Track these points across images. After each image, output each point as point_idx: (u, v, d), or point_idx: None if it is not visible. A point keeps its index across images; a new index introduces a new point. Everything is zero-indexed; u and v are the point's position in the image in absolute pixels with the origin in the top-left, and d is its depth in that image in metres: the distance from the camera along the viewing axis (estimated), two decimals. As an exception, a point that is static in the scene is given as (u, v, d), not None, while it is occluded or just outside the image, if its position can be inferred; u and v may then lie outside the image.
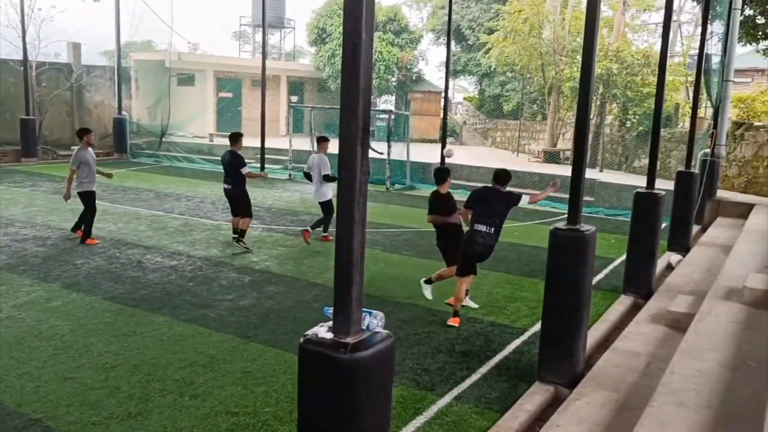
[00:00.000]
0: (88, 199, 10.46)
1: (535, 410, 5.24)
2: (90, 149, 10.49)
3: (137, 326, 6.86)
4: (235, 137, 10.35)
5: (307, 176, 11.14)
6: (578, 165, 5.49)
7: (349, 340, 2.74)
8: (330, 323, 2.86)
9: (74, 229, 10.72)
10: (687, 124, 17.53)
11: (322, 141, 11.07)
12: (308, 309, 7.65)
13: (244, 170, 10.24)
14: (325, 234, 11.13)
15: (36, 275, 8.56)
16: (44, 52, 23.67)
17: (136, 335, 6.61)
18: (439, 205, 7.88)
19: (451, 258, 7.88)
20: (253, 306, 7.65)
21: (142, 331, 6.73)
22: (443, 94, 18.60)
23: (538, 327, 6.63)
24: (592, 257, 5.64)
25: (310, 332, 2.84)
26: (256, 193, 16.49)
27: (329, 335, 2.77)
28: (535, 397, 5.42)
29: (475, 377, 5.96)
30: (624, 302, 8.17)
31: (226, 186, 10.50)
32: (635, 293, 8.34)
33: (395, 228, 12.59)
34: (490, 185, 7.43)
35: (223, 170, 10.55)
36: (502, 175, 7.32)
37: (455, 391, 5.65)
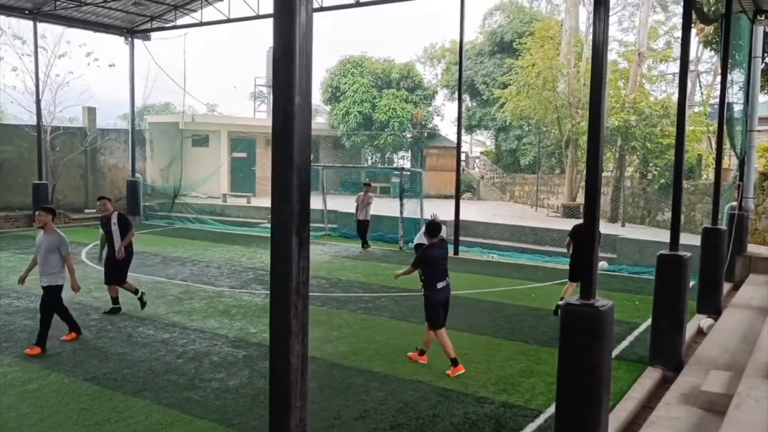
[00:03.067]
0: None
1: None
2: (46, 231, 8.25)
3: (112, 413, 6.28)
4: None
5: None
6: (590, 230, 4.91)
7: (288, 482, 2.14)
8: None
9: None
10: (711, 175, 16.86)
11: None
12: (302, 389, 7.01)
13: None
14: None
15: (18, 353, 8.06)
16: (60, 117, 23.94)
17: (110, 424, 6.02)
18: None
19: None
20: (243, 386, 7.04)
21: (117, 419, 6.14)
22: (456, 150, 18.14)
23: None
24: (609, 336, 4.99)
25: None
26: (264, 256, 16.07)
27: (263, 475, 2.17)
28: (549, 500, 4.70)
29: (482, 473, 5.26)
30: (651, 376, 7.41)
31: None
32: (663, 365, 7.58)
33: (405, 292, 11.96)
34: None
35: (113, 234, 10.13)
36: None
37: (459, 493, 4.95)
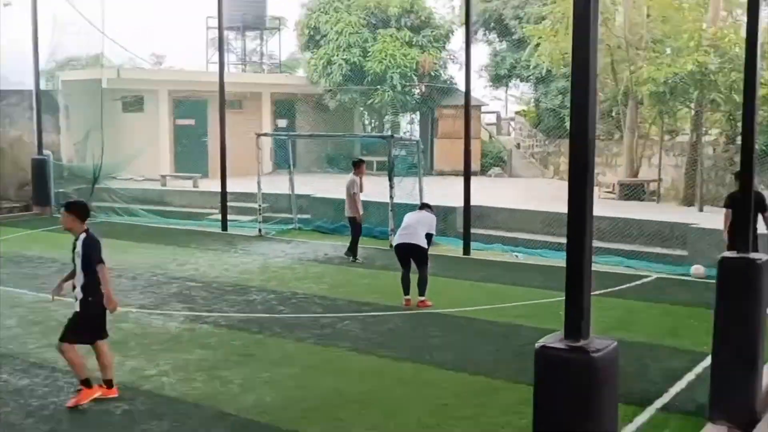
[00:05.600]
0: None
1: None
2: None
3: None
4: None
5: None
6: (577, 242, 4.22)
7: None
8: None
9: None
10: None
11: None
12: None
13: None
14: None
15: None
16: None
17: None
18: None
19: None
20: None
21: None
22: (465, 107, 17.29)
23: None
24: (610, 393, 4.34)
25: None
26: (202, 260, 15.50)
27: None
28: None
29: None
30: (709, 436, 6.73)
31: None
32: (728, 421, 6.90)
33: (383, 311, 11.32)
34: None
35: None
36: None
37: None
